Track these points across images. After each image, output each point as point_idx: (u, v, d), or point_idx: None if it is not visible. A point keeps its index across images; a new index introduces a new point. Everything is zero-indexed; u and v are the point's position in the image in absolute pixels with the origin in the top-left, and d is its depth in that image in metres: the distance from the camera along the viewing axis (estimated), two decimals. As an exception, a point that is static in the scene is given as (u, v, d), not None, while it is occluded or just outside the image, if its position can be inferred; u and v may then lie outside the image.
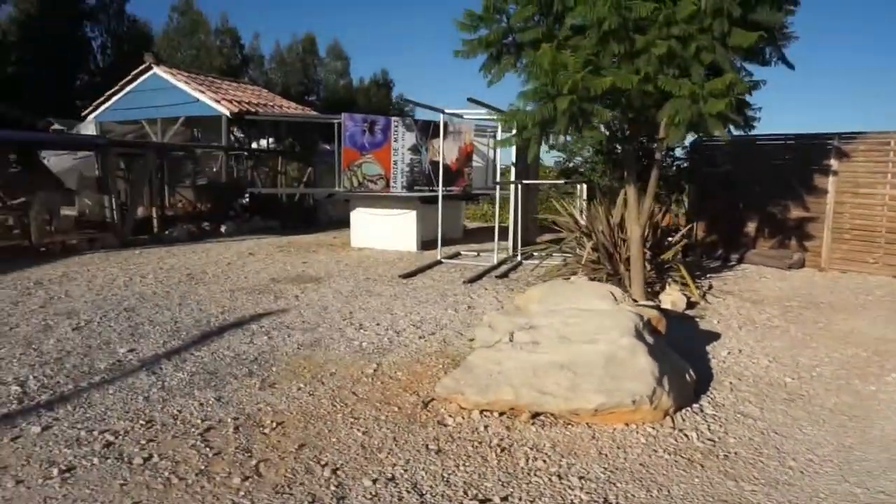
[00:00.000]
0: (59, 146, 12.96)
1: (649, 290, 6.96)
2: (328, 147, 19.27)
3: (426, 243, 11.27)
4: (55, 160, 13.51)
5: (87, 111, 15.50)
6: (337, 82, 49.19)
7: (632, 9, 5.63)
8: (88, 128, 15.56)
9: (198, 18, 41.24)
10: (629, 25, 5.76)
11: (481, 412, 3.86)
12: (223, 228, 12.99)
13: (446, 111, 9.73)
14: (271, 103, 14.97)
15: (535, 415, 3.82)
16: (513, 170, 10.43)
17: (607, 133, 9.20)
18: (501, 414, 3.84)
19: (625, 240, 7.25)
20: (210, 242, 11.73)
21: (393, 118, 10.98)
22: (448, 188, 11.56)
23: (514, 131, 6.95)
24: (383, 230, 11.07)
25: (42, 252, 9.95)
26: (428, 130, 11.33)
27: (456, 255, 10.49)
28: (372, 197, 11.06)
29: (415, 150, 11.27)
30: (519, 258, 10.05)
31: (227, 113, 12.92)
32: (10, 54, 30.70)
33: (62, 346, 5.12)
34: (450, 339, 5.48)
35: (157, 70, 14.02)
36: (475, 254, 10.78)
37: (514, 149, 10.44)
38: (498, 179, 10.08)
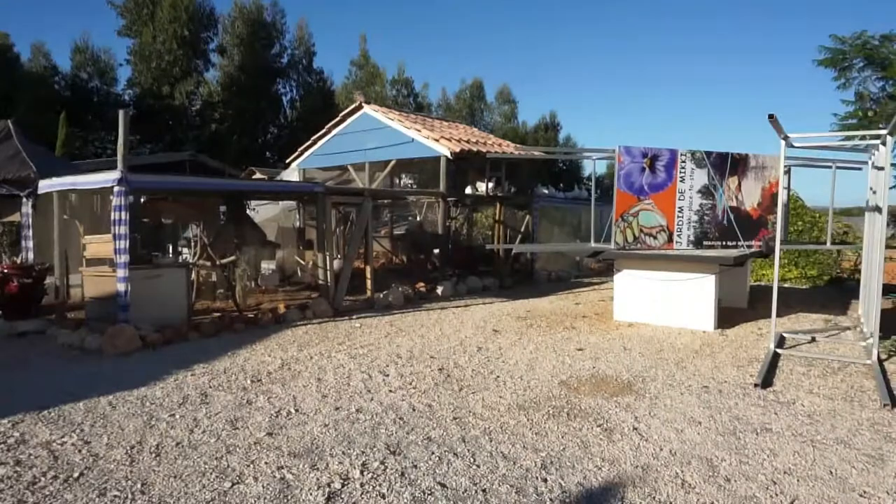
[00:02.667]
0: (273, 195, 11.76)
1: None
2: (546, 192, 17.02)
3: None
4: (261, 210, 12.44)
5: (291, 158, 14.54)
6: (504, 126, 48.02)
7: None
8: (292, 175, 14.58)
9: (375, 71, 42.35)
10: None
11: None
12: (439, 290, 10.86)
13: (792, 137, 6.65)
14: (488, 142, 12.90)
15: None
16: (880, 219, 7.05)
17: None
18: None
19: None
20: (432, 309, 9.57)
21: (679, 151, 8.17)
22: (748, 242, 8.46)
23: None
24: (663, 300, 8.16)
25: (250, 319, 8.31)
26: (724, 166, 8.36)
27: (782, 341, 7.28)
28: (648, 256, 8.23)
29: (706, 192, 8.33)
30: (900, 348, 6.62)
31: (447, 153, 10.91)
32: (214, 112, 32.66)
33: (318, 547, 2.80)
34: None
35: (367, 109, 12.53)
36: (808, 339, 7.47)
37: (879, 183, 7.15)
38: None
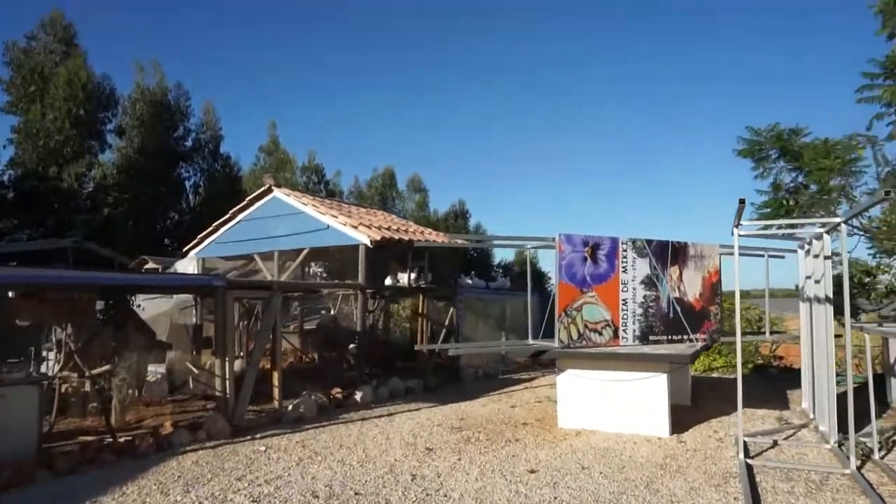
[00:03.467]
0: (163, 290, 10.22)
1: None
2: (469, 282, 16.26)
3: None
4: (149, 305, 10.82)
5: (189, 246, 13.06)
6: (417, 214, 48.10)
7: None
8: (188, 265, 13.05)
9: (285, 157, 41.49)
10: None
11: None
12: (358, 396, 9.56)
13: (743, 224, 6.23)
14: (410, 229, 12.11)
15: None
16: (827, 312, 6.66)
17: None
18: None
19: None
20: (352, 421, 8.26)
21: (620, 238, 7.66)
22: (694, 335, 7.94)
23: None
24: (612, 404, 7.35)
25: (125, 446, 6.68)
26: (665, 255, 7.92)
27: (745, 448, 6.58)
28: (595, 355, 7.47)
29: (649, 282, 7.81)
30: (874, 450, 6.07)
31: (367, 241, 9.96)
32: (108, 196, 30.38)
33: None
34: None
35: (277, 193, 11.45)
36: (770, 442, 6.83)
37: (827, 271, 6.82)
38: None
